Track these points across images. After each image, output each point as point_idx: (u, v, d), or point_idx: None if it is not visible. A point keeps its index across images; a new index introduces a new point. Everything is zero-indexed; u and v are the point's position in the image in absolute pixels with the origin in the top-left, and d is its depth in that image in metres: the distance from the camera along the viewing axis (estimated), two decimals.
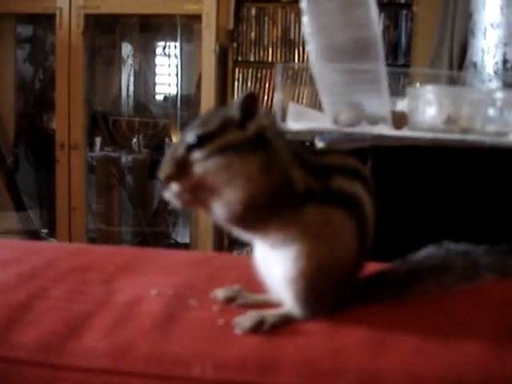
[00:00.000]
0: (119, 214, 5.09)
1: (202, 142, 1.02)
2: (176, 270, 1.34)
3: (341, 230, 1.06)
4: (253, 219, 1.04)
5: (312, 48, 1.67)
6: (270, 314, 1.07)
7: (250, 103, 1.03)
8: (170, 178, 1.04)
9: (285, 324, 1.06)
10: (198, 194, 1.05)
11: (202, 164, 1.02)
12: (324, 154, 1.17)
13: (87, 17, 4.46)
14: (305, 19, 1.67)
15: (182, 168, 1.03)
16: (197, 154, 1.02)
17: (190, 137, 1.03)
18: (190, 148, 1.03)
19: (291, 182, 1.03)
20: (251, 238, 1.13)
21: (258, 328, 1.03)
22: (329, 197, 1.05)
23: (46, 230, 4.98)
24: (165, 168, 1.04)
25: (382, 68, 1.69)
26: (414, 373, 0.93)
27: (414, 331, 1.04)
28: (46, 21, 4.70)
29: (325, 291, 1.06)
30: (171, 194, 1.06)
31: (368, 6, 1.61)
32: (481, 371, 0.94)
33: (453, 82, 2.53)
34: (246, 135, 1.02)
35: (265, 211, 1.03)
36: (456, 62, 3.74)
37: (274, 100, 1.90)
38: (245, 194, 1.01)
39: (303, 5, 1.69)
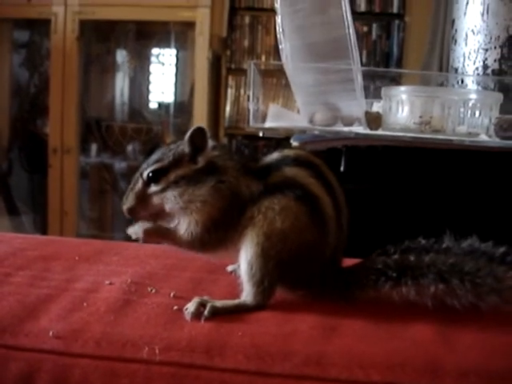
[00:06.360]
0: (112, 220, 5.10)
1: (157, 176, 1.14)
2: (140, 260, 1.35)
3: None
4: (213, 239, 1.13)
5: (285, 48, 1.70)
6: (216, 300, 1.09)
7: (198, 138, 1.14)
8: (132, 210, 1.15)
9: (232, 311, 1.08)
10: (161, 224, 1.16)
11: (158, 196, 1.14)
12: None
13: (82, 23, 4.51)
14: (278, 19, 1.69)
15: (141, 200, 1.15)
16: (153, 188, 1.14)
17: (147, 172, 1.15)
18: (148, 182, 1.15)
19: (239, 193, 1.12)
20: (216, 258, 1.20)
21: (198, 311, 1.04)
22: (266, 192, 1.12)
23: (38, 235, 4.98)
24: (126, 202, 1.16)
25: (355, 68, 1.70)
26: (359, 357, 0.94)
27: (363, 318, 1.05)
28: (43, 26, 4.75)
29: (265, 274, 1.09)
30: (135, 228, 1.16)
31: (341, 6, 1.64)
32: (427, 356, 0.95)
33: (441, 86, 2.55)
34: (197, 167, 1.14)
35: (221, 228, 1.12)
36: (445, 70, 3.77)
37: (249, 99, 1.91)
38: (202, 215, 1.12)
39: (277, 5, 1.71)
